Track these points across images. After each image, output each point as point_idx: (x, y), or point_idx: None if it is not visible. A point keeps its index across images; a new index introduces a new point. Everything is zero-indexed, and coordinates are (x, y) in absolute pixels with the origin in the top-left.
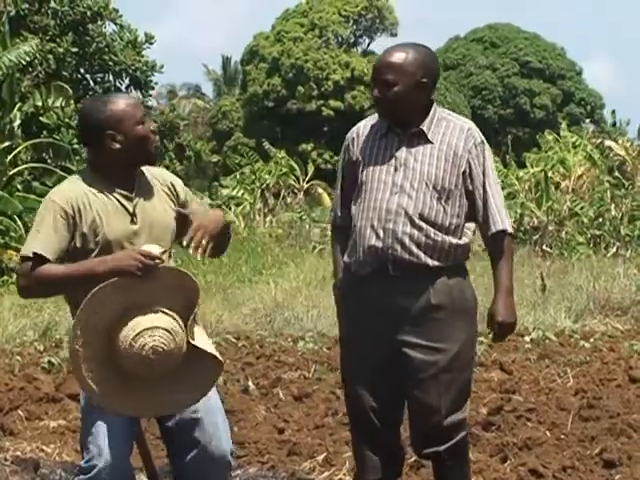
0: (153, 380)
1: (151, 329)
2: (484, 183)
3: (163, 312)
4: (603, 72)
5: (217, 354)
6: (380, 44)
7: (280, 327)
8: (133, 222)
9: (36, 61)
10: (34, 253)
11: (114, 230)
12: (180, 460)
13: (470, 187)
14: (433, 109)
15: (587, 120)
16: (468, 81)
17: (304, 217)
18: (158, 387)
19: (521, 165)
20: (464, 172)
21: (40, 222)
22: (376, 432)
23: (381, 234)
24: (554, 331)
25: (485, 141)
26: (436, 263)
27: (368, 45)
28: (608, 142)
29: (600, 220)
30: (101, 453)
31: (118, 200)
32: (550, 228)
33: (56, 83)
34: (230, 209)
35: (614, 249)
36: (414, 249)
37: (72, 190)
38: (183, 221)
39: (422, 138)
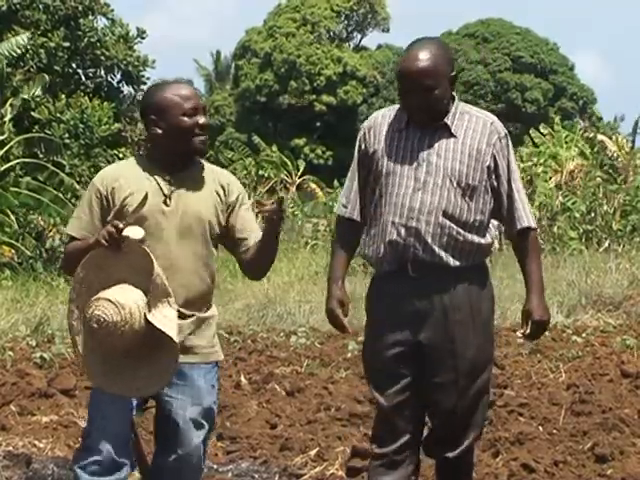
0: (118, 357)
1: (97, 299)
2: (509, 178)
3: (126, 286)
4: (594, 67)
5: (172, 334)
6: (372, 39)
7: (272, 322)
8: (166, 203)
9: (27, 56)
10: (67, 234)
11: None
12: (159, 457)
13: (495, 183)
14: (455, 102)
15: (585, 115)
16: (460, 76)
17: (296, 212)
18: (125, 366)
19: None
20: (489, 167)
21: (80, 203)
22: (401, 434)
23: (403, 232)
24: None
25: (508, 134)
26: (457, 263)
27: (360, 40)
28: (601, 137)
29: (592, 215)
30: (95, 439)
31: (157, 182)
32: (542, 223)
33: (40, 74)
34: None
35: (606, 244)
36: (436, 249)
37: (112, 171)
38: (231, 235)
39: (445, 132)
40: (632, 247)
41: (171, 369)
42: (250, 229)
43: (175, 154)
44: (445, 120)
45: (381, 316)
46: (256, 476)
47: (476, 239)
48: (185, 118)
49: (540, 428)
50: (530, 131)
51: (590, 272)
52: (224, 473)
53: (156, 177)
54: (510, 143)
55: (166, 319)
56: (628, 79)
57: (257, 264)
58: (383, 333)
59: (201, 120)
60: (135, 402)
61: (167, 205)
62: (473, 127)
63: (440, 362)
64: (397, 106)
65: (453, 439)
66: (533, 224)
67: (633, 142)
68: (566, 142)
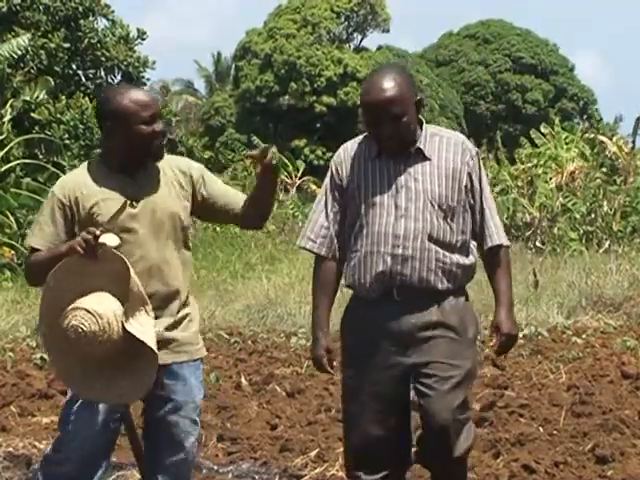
0: (98, 365)
1: (74, 309)
2: (481, 196)
3: (102, 295)
4: (593, 68)
5: (151, 344)
6: (372, 40)
7: (273, 323)
8: (132, 206)
9: (28, 57)
10: (29, 246)
11: (111, 213)
12: (157, 458)
13: (471, 201)
14: (424, 126)
15: (584, 117)
16: (460, 77)
17: (297, 213)
18: (104, 374)
19: (513, 161)
20: (465, 186)
21: (40, 214)
22: (389, 459)
23: (389, 260)
24: (546, 327)
25: (479, 152)
26: (444, 286)
27: (360, 41)
28: (601, 138)
29: (592, 216)
30: (70, 442)
31: (119, 185)
32: (543, 224)
33: (42, 77)
34: None
35: (606, 245)
36: (424, 274)
37: (72, 180)
38: (209, 207)
39: (419, 156)
40: (632, 248)
41: (151, 377)
42: (231, 190)
43: (132, 160)
44: (418, 144)
45: (366, 342)
46: (256, 477)
47: (461, 260)
48: (143, 126)
49: (540, 429)
50: (531, 131)
51: (590, 273)
52: (224, 474)
53: (117, 180)
54: (481, 160)
55: (144, 328)
56: (627, 80)
57: (255, 212)
58: (372, 358)
59: (158, 127)
60: (117, 415)
61: (135, 207)
62: (445, 148)
63: (434, 375)
64: (362, 136)
65: (448, 450)
66: (505, 242)
67: (634, 143)
68: (566, 143)
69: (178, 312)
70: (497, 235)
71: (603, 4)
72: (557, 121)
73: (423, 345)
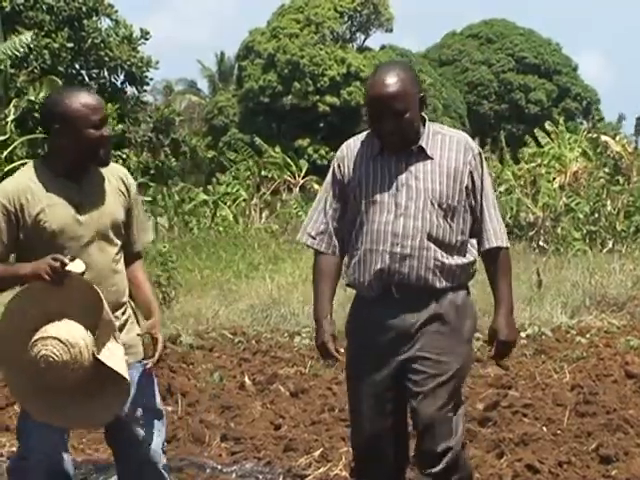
0: (66, 391)
1: (44, 338)
2: (482, 196)
3: (68, 323)
4: (596, 67)
5: (123, 372)
6: (375, 40)
7: (276, 323)
8: (78, 212)
9: (32, 56)
10: None
11: (58, 220)
12: (120, 464)
13: (472, 201)
14: (427, 123)
15: (589, 117)
16: (464, 77)
17: (300, 213)
18: (72, 400)
19: (517, 161)
20: (467, 186)
21: None
22: (382, 465)
23: (387, 259)
24: (550, 327)
25: (481, 151)
26: (443, 284)
27: (364, 41)
28: (604, 138)
29: (596, 216)
30: (32, 445)
31: (65, 191)
32: (546, 224)
33: (48, 77)
34: (226, 205)
35: (610, 245)
36: (422, 272)
37: (17, 184)
38: (128, 224)
39: (421, 154)
40: (636, 248)
41: (123, 402)
42: (142, 229)
43: (78, 164)
44: (420, 142)
45: (368, 342)
46: (260, 477)
47: (459, 260)
48: (92, 130)
49: (544, 429)
50: (535, 130)
51: (594, 273)
52: (228, 474)
53: (62, 185)
54: (484, 160)
55: (115, 356)
56: (630, 79)
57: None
58: (374, 357)
59: (106, 132)
60: None
61: (80, 214)
62: (448, 147)
63: (423, 371)
64: (365, 133)
65: (431, 446)
66: (503, 243)
67: (637, 142)
68: (569, 143)
69: (122, 315)
70: (495, 237)
71: (605, 4)
72: (561, 121)
73: (417, 339)
